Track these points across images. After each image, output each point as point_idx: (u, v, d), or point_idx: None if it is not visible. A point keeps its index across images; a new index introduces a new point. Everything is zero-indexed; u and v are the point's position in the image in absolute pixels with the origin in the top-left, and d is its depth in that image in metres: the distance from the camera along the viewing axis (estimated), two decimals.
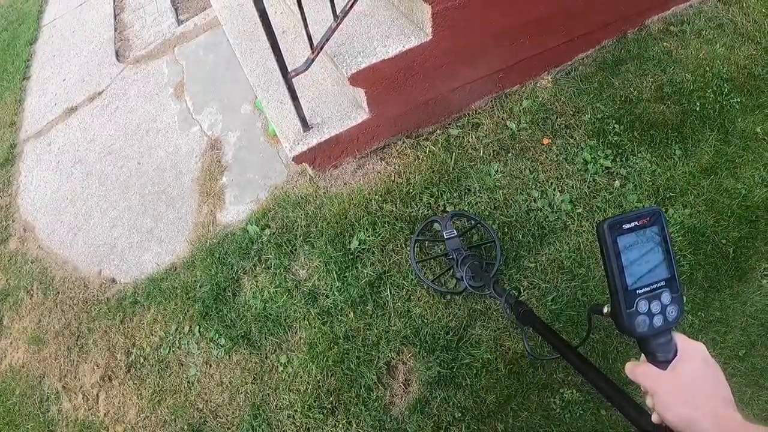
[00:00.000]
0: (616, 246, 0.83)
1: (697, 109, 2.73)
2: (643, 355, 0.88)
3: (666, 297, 0.84)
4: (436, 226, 2.47)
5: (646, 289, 0.84)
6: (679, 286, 0.86)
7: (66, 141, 3.69)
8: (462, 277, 2.13)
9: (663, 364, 0.83)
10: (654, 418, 0.83)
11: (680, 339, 0.85)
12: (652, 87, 2.83)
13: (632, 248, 0.84)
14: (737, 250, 2.35)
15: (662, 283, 0.84)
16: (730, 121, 2.68)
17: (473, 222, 2.45)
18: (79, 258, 3.03)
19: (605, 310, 0.89)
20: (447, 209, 2.54)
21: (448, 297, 2.33)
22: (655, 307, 0.84)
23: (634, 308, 0.83)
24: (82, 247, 3.07)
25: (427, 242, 2.48)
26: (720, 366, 0.82)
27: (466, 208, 2.53)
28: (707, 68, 2.87)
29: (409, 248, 2.42)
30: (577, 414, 2.09)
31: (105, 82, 3.98)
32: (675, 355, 0.84)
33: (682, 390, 0.79)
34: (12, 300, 3.00)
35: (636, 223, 0.83)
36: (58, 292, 2.91)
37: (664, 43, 2.99)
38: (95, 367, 2.60)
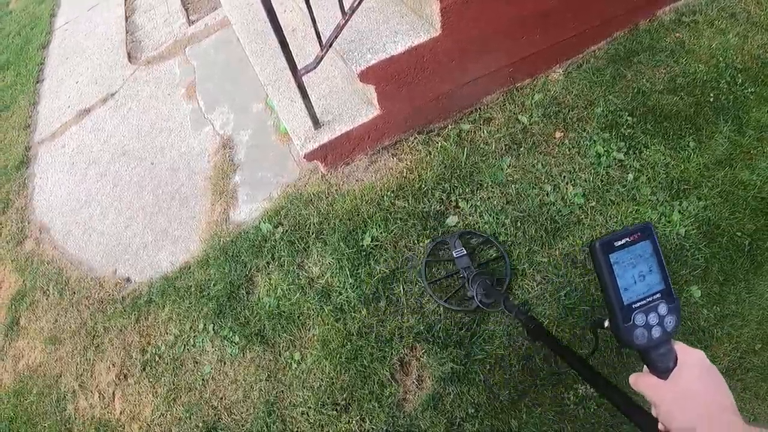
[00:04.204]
0: (609, 263, 0.84)
1: (711, 100, 2.70)
2: (645, 366, 0.89)
3: (663, 308, 0.86)
4: (445, 242, 2.46)
5: (642, 302, 0.86)
6: (674, 296, 0.87)
7: (80, 143, 3.73)
8: (473, 295, 2.15)
9: (664, 374, 0.84)
10: (660, 428, 0.84)
11: (680, 348, 0.86)
12: (665, 78, 2.80)
13: (625, 264, 0.85)
14: (753, 242, 2.32)
15: (658, 295, 0.86)
16: (745, 112, 2.64)
17: (482, 239, 2.44)
18: (94, 258, 3.05)
19: (606, 324, 0.91)
20: (459, 204, 2.53)
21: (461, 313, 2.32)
22: (653, 318, 0.85)
23: (631, 322, 0.85)
24: (97, 248, 3.09)
25: (437, 263, 2.47)
26: (720, 372, 0.82)
27: (478, 203, 2.52)
28: (720, 58, 2.84)
29: (420, 269, 2.40)
30: (592, 410, 2.07)
31: (117, 84, 4.01)
32: (675, 364, 0.84)
33: (682, 399, 0.80)
34: (29, 301, 3.03)
35: (627, 239, 0.85)
36: (74, 292, 2.93)
37: (677, 34, 2.96)
38: (111, 366, 2.63)
